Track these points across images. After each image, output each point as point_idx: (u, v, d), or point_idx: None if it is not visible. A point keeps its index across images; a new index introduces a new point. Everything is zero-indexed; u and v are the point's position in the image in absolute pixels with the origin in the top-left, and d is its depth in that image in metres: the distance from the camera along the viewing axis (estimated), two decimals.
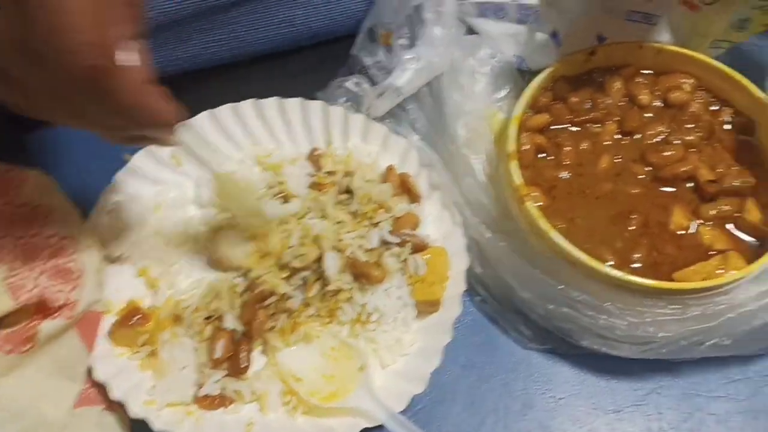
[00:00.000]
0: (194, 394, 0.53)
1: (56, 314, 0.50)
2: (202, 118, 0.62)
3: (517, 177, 0.55)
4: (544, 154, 0.60)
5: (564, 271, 0.53)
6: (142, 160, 0.60)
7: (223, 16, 0.65)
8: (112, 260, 0.57)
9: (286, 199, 0.58)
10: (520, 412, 0.55)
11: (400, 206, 0.58)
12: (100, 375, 0.51)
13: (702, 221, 0.56)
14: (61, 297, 0.50)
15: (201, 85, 0.68)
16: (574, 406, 0.56)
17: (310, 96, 0.64)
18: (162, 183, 0.61)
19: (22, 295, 0.49)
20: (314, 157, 0.61)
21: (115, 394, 0.51)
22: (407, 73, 0.62)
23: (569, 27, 0.62)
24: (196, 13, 0.63)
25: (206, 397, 0.52)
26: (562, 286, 0.53)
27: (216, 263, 0.58)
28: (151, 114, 0.41)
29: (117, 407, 0.52)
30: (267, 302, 0.55)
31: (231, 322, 0.54)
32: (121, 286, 0.56)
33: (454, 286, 0.56)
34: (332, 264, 0.55)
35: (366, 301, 0.55)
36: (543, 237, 0.53)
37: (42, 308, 0.50)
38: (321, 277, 0.55)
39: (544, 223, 0.53)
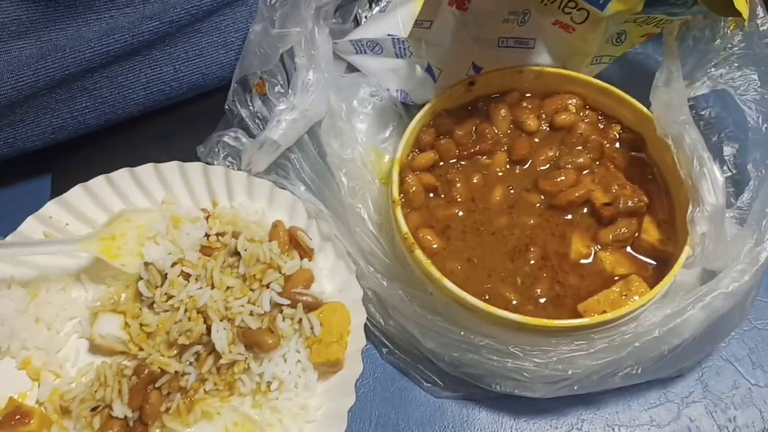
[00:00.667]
0: None
1: None
2: (77, 192, 0.58)
3: (403, 225, 0.52)
4: (434, 194, 0.57)
5: (464, 317, 0.51)
6: (10, 246, 0.55)
7: (85, 82, 0.61)
8: None
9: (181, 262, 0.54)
10: None
11: (290, 263, 0.55)
12: None
13: (601, 247, 0.54)
14: None
15: (72, 156, 0.65)
16: None
17: (191, 153, 0.61)
18: (37, 267, 0.56)
19: None
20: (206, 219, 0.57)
21: None
22: (282, 125, 0.59)
23: (443, 61, 0.59)
24: (51, 84, 0.59)
25: None
26: (464, 332, 0.50)
27: (97, 348, 0.54)
28: None
29: None
30: (159, 383, 0.51)
31: (120, 410, 0.50)
32: (1, 383, 0.52)
33: (354, 342, 0.53)
34: (221, 336, 0.51)
35: (263, 369, 0.52)
36: (437, 285, 0.50)
37: None
38: (213, 350, 0.51)
39: (435, 271, 0.50)
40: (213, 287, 0.54)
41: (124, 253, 0.54)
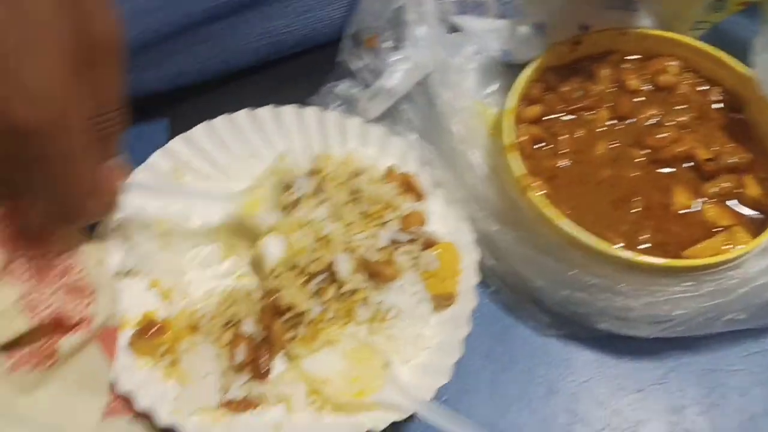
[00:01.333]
0: (220, 400, 0.52)
1: (74, 330, 0.49)
2: (199, 130, 0.61)
3: (517, 168, 0.55)
4: (541, 144, 0.60)
5: (575, 257, 0.53)
6: (143, 175, 0.59)
7: (207, 30, 0.64)
8: (123, 275, 0.56)
9: (294, 205, 0.57)
10: (543, 397, 0.55)
11: (406, 205, 0.58)
12: (124, 387, 0.50)
13: (704, 199, 0.56)
14: (77, 313, 0.49)
15: (189, 101, 0.68)
16: (596, 389, 0.55)
17: (303, 103, 0.63)
18: (165, 197, 0.59)
19: (39, 314, 0.48)
20: (318, 162, 0.60)
21: (141, 404, 0.50)
22: (397, 74, 0.61)
23: (552, 18, 0.62)
24: (177, 30, 0.62)
25: (231, 402, 0.52)
26: (575, 272, 0.53)
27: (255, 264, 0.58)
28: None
29: (144, 418, 0.51)
30: (286, 316, 0.53)
31: (250, 327, 0.53)
32: (134, 300, 0.55)
33: (468, 279, 0.56)
34: (344, 266, 0.54)
35: (382, 299, 0.54)
36: (550, 225, 0.53)
37: (59, 326, 0.49)
38: (335, 280, 0.54)
39: (549, 211, 0.53)
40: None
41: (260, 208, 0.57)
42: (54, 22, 0.37)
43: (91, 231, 0.55)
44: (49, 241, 0.52)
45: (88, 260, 0.52)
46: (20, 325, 0.48)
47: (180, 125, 0.64)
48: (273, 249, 0.56)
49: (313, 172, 0.58)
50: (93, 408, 0.50)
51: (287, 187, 0.57)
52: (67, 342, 0.48)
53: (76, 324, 0.49)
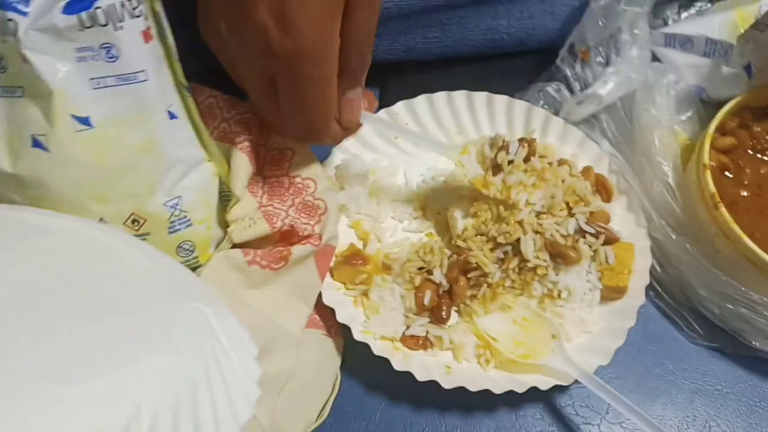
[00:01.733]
0: (402, 333, 0.59)
1: (305, 242, 0.56)
2: (421, 100, 0.69)
3: (711, 186, 0.60)
4: (727, 173, 0.65)
5: (747, 275, 0.58)
6: (366, 129, 0.67)
7: (440, 16, 0.72)
8: None
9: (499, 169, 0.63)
10: (687, 398, 0.60)
11: (596, 202, 0.64)
12: (327, 301, 0.58)
13: None
14: (308, 229, 0.57)
15: (400, 77, 0.75)
16: (739, 401, 0.60)
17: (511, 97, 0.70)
18: (379, 151, 0.68)
19: (277, 223, 0.57)
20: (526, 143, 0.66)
21: (340, 318, 0.58)
22: (609, 83, 0.68)
23: (763, 62, 0.67)
24: (421, 9, 0.70)
25: (412, 337, 0.59)
26: (744, 288, 0.58)
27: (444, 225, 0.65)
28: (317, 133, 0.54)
29: (334, 335, 0.59)
30: (471, 274, 0.60)
31: (439, 277, 0.60)
32: (341, 232, 0.63)
33: (639, 278, 0.61)
34: (530, 244, 0.60)
35: (559, 279, 0.60)
36: (734, 240, 0.58)
37: (289, 237, 0.57)
38: (519, 254, 0.61)
39: (737, 227, 0.58)
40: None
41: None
42: None
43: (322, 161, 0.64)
44: (287, 164, 0.60)
45: (321, 185, 0.60)
46: (262, 228, 0.57)
47: (387, 97, 0.73)
48: (460, 215, 0.63)
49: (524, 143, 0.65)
50: (302, 313, 0.58)
51: (500, 148, 0.63)
52: (298, 251, 0.56)
53: (306, 237, 0.57)
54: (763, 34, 0.64)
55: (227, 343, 0.39)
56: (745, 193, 0.64)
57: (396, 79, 0.75)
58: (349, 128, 0.58)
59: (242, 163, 0.56)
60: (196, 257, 0.57)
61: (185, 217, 0.55)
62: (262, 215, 0.57)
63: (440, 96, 0.69)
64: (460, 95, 0.69)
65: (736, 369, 0.62)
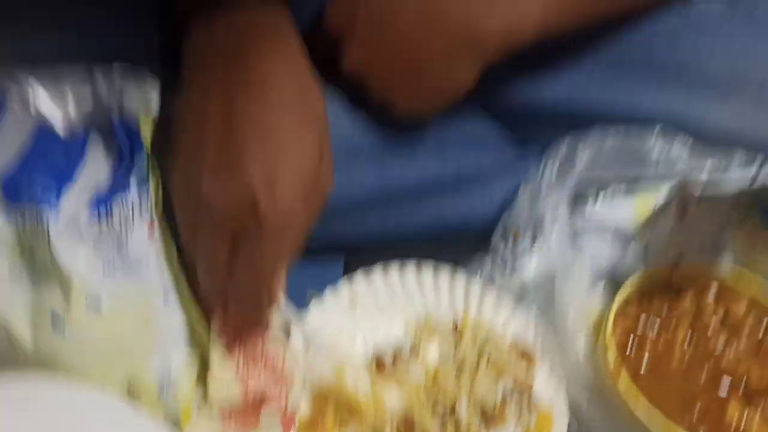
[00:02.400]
0: None
1: (274, 406, 0.66)
2: (378, 269, 0.80)
3: (611, 360, 0.72)
4: (630, 345, 0.77)
5: None
6: (330, 299, 0.78)
7: (396, 206, 0.84)
8: None
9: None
10: None
11: (520, 369, 0.75)
12: None
13: (752, 415, 0.72)
14: (277, 394, 0.66)
15: (364, 257, 0.86)
16: None
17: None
18: (339, 320, 0.78)
19: (250, 386, 0.66)
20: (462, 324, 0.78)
21: None
22: (533, 262, 0.80)
23: (657, 247, 0.80)
24: (379, 198, 0.82)
25: None
26: None
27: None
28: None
29: None
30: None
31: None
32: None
33: None
34: (465, 407, 0.71)
35: None
36: (632, 407, 0.69)
37: (263, 400, 0.66)
38: (455, 416, 0.71)
39: (633, 395, 0.69)
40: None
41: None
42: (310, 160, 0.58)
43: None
44: (262, 338, 0.70)
45: (289, 358, 0.70)
46: (236, 392, 0.67)
47: (354, 266, 0.84)
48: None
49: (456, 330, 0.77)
50: None
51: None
52: (266, 414, 0.66)
53: (275, 401, 0.67)
54: (654, 225, 0.77)
55: None
56: (645, 362, 0.75)
57: (356, 253, 0.86)
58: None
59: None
60: (180, 421, 0.66)
61: (173, 385, 0.65)
62: (238, 379, 0.67)
63: (393, 266, 0.80)
64: (409, 266, 0.80)
65: None
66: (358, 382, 0.74)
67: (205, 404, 0.66)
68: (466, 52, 0.77)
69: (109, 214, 0.59)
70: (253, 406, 0.67)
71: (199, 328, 0.66)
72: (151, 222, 0.62)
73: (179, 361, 0.65)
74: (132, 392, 0.62)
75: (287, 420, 0.68)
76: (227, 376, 0.67)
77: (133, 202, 0.62)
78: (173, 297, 0.64)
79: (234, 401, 0.66)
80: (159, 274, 0.63)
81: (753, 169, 0.74)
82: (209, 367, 0.67)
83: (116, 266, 0.61)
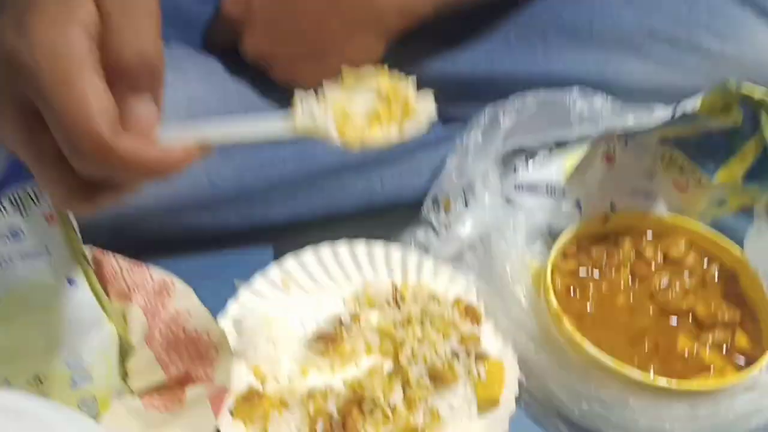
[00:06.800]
0: None
1: (198, 383, 0.58)
2: (308, 252, 0.74)
3: (554, 303, 0.65)
4: (573, 292, 0.71)
5: (596, 377, 0.62)
6: (260, 282, 0.71)
7: (321, 182, 0.78)
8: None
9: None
10: None
11: (465, 327, 0.68)
12: None
13: (702, 345, 0.66)
14: (201, 374, 0.59)
15: (290, 237, 0.80)
16: None
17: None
18: (273, 301, 0.71)
19: (172, 371, 0.59)
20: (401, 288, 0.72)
21: None
22: (468, 226, 0.74)
23: (588, 198, 0.75)
24: (299, 178, 0.76)
25: None
26: (594, 389, 0.62)
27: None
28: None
29: None
30: (364, 404, 0.63)
31: (332, 408, 0.62)
32: (237, 377, 0.63)
33: (509, 390, 0.64)
34: (414, 369, 0.64)
35: (440, 399, 0.63)
36: (577, 348, 0.63)
37: (187, 380, 0.59)
38: (406, 379, 0.64)
39: (578, 336, 0.63)
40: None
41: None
42: None
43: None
44: (184, 321, 0.63)
45: (213, 335, 0.62)
46: (158, 377, 0.59)
47: (285, 250, 0.77)
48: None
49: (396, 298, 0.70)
50: None
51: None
52: (192, 392, 0.58)
53: (200, 379, 0.59)
54: (584, 176, 0.72)
55: None
56: (589, 308, 0.69)
57: (286, 233, 0.80)
58: (147, 153, 0.39)
59: (138, 317, 0.59)
60: (98, 409, 0.58)
61: (86, 374, 0.57)
62: (159, 365, 0.60)
63: (325, 247, 0.74)
64: (342, 245, 0.74)
65: None
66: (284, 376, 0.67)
67: (125, 389, 0.59)
68: (367, 30, 0.74)
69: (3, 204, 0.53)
70: (176, 386, 0.59)
71: (112, 310, 0.59)
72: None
73: (92, 346, 0.57)
74: (39, 383, 0.55)
75: (216, 397, 0.60)
76: (147, 360, 0.60)
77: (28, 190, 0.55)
78: (79, 279, 0.57)
79: (155, 383, 0.59)
80: (60, 258, 0.55)
81: (671, 109, 0.70)
82: (126, 349, 0.59)
83: (12, 254, 0.54)
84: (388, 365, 0.66)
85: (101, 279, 0.60)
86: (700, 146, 0.72)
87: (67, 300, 0.55)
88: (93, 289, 0.58)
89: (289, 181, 0.76)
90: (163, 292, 0.62)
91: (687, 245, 0.74)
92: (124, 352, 0.60)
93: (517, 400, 0.64)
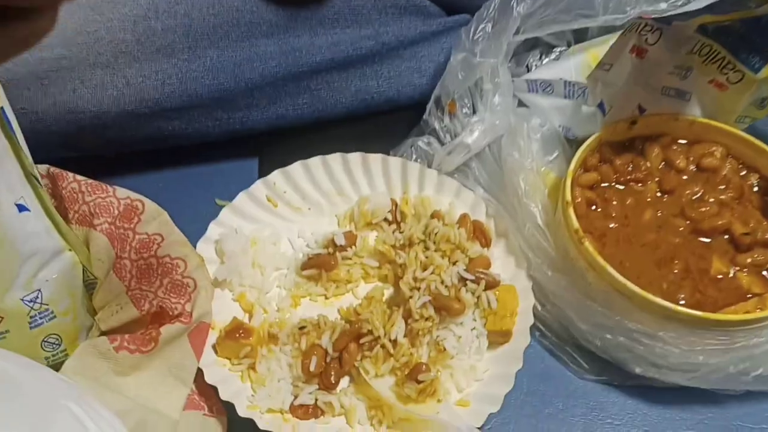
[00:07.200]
0: (290, 404, 0.54)
1: (174, 321, 0.51)
2: (296, 166, 0.65)
3: (574, 221, 0.58)
4: (594, 207, 0.63)
5: (619, 304, 0.55)
6: (243, 201, 0.63)
7: (308, 82, 0.69)
8: (215, 285, 0.59)
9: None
10: None
11: (474, 248, 0.61)
12: (210, 379, 0.53)
13: (739, 268, 0.58)
14: (177, 308, 0.52)
15: (278, 145, 0.72)
16: None
17: (385, 154, 0.67)
18: (258, 221, 0.64)
19: (145, 306, 0.52)
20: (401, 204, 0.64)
21: (223, 396, 0.52)
22: (475, 132, 0.65)
23: (613, 100, 0.65)
24: (285, 77, 0.67)
25: (301, 406, 0.54)
26: (618, 318, 0.55)
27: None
28: None
29: (216, 414, 0.54)
30: (363, 339, 0.56)
31: (326, 343, 0.56)
32: (221, 308, 0.58)
33: (523, 319, 0.57)
34: (417, 300, 0.57)
35: (446, 331, 0.57)
36: (600, 272, 0.55)
37: (160, 317, 0.52)
38: (408, 311, 0.57)
39: (601, 260, 0.55)
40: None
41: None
42: None
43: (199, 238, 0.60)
44: (156, 246, 0.55)
45: (191, 263, 0.55)
46: (130, 313, 0.52)
47: (266, 166, 0.69)
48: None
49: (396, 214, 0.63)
50: (179, 394, 0.52)
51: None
52: (167, 330, 0.50)
53: (176, 316, 0.52)
54: (608, 73, 0.63)
55: None
56: (612, 225, 0.61)
57: (271, 148, 0.71)
58: None
59: (102, 244, 0.52)
60: (64, 350, 0.51)
61: (47, 310, 0.50)
62: (130, 299, 0.52)
63: (315, 161, 0.65)
64: (335, 158, 0.66)
65: (626, 400, 0.58)
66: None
67: (94, 329, 0.52)
68: None
69: None
70: (150, 323, 0.52)
71: (73, 237, 0.51)
72: None
73: (51, 278, 0.50)
74: None
75: (196, 335, 0.53)
76: (116, 293, 0.53)
77: None
78: (32, 203, 0.49)
79: (126, 320, 0.52)
80: (4, 182, 0.47)
81: None
82: (91, 281, 0.52)
83: None
84: (388, 293, 0.60)
85: (58, 202, 0.52)
86: (744, 37, 0.61)
87: (19, 228, 0.48)
88: (48, 215, 0.50)
89: (271, 80, 0.67)
90: (130, 214, 0.55)
91: (723, 153, 0.65)
92: (92, 286, 0.53)
93: (532, 330, 0.58)
